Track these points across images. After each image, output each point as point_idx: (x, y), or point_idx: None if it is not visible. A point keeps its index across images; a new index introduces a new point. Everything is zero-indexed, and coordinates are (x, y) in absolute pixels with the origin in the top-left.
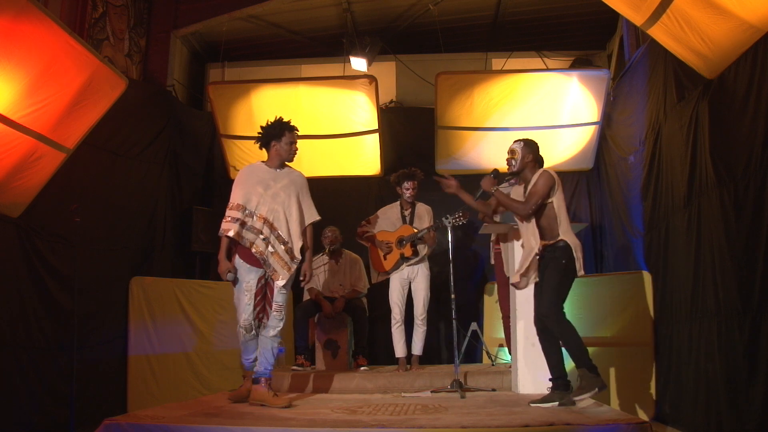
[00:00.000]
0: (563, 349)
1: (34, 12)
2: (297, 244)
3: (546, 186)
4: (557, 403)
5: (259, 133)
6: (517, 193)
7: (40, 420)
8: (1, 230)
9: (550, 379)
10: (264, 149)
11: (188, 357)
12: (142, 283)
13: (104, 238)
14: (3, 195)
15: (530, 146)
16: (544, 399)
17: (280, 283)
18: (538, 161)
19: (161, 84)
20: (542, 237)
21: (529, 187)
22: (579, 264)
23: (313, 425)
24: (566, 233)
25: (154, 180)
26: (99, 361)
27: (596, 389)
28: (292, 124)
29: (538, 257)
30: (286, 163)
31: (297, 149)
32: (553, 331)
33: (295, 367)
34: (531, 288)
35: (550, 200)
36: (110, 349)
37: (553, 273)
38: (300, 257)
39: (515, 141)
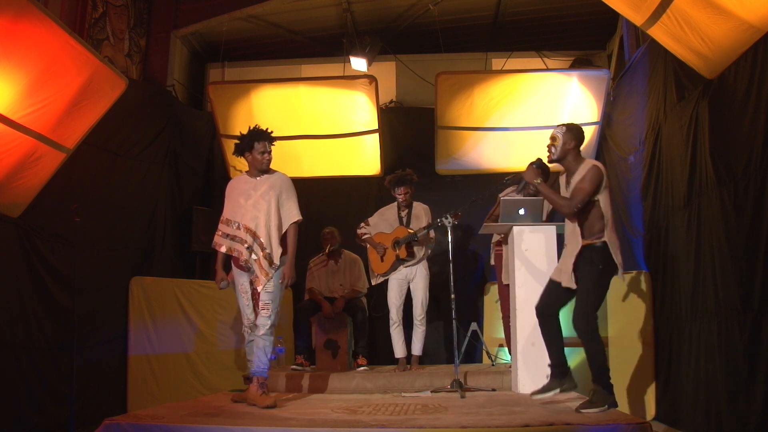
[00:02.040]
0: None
1: (34, 12)
2: (276, 251)
3: (594, 182)
4: (558, 390)
5: (235, 144)
6: (561, 181)
7: (40, 420)
8: (1, 230)
9: (549, 365)
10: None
11: (188, 357)
12: (142, 283)
13: (104, 238)
14: (3, 195)
15: (573, 132)
16: (545, 388)
17: (259, 288)
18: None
19: (161, 84)
20: (582, 236)
21: (575, 181)
22: (620, 269)
23: (313, 425)
24: (608, 233)
25: (154, 180)
26: (99, 361)
27: (606, 406)
28: (266, 131)
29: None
30: (275, 167)
31: (269, 157)
32: (580, 340)
33: (294, 367)
34: (531, 288)
35: (596, 197)
36: (110, 349)
37: (587, 278)
38: (278, 263)
39: (557, 126)
